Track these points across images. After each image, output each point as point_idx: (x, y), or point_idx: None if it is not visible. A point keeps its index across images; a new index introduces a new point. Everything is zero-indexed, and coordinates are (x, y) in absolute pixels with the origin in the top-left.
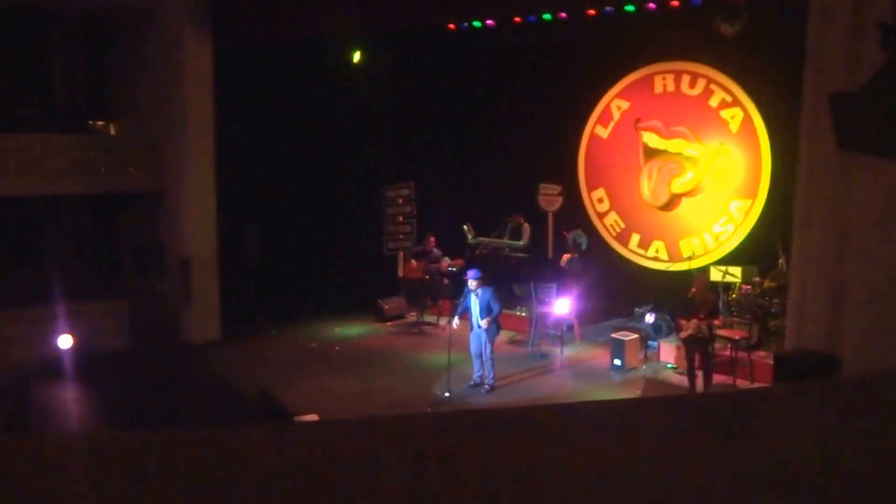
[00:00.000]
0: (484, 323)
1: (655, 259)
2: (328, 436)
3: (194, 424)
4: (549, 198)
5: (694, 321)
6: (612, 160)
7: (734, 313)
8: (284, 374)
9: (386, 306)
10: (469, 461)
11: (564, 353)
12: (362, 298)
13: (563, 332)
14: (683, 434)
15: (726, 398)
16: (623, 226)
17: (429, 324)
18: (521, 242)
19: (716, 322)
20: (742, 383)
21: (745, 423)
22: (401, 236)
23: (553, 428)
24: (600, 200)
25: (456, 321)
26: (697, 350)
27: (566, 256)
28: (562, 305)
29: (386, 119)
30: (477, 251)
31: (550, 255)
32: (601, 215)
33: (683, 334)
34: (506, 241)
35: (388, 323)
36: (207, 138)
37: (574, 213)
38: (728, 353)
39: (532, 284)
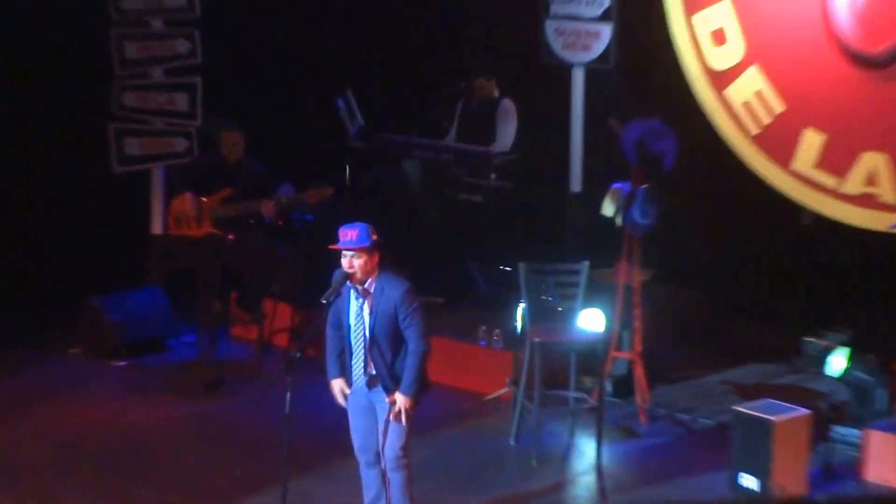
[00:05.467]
0: (372, 372)
1: (866, 200)
2: None
3: None
4: (572, 34)
5: None
6: None
7: None
8: None
9: (107, 323)
10: None
11: (605, 455)
12: (42, 297)
13: (603, 390)
14: None
15: None
16: (781, 108)
17: (226, 366)
18: (495, 146)
19: None
20: None
21: None
22: (163, 124)
23: None
24: (718, 37)
25: (337, 383)
26: None
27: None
28: (596, 319)
29: None
30: (373, 170)
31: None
32: (721, 78)
33: None
34: (450, 141)
35: (121, 361)
36: None
37: (640, 66)
38: None
39: (524, 268)
